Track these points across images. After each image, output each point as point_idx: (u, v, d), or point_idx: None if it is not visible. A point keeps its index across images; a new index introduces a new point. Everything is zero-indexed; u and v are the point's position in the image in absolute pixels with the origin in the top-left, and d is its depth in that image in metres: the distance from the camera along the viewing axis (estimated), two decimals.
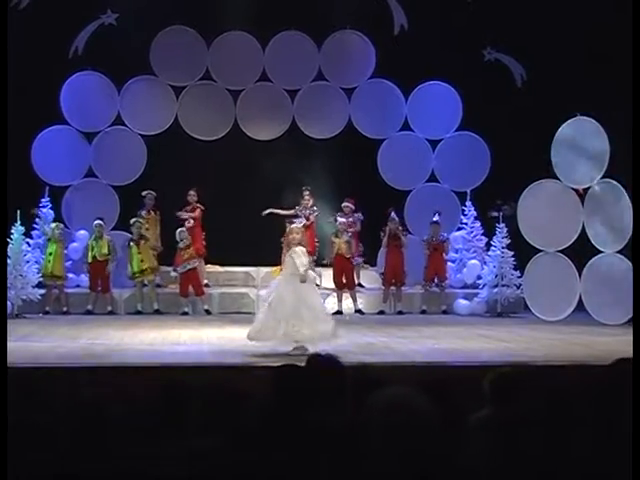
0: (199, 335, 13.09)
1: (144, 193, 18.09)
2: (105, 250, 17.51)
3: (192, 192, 18.06)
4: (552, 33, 17.28)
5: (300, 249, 11.02)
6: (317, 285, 18.14)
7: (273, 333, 10.64)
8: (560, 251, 15.74)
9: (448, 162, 19.19)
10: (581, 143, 15.37)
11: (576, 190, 15.67)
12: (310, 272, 11.25)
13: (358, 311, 17.50)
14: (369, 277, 18.56)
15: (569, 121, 15.76)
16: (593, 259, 15.20)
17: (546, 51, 17.63)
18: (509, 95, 18.44)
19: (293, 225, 11.35)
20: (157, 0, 18.52)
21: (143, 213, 18.06)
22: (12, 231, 16.61)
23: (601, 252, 15.09)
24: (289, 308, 10.66)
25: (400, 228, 17.90)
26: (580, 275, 15.36)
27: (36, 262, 17.25)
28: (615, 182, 14.81)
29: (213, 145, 19.01)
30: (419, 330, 14.17)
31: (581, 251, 15.57)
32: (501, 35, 18.76)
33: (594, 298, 14.99)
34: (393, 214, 17.84)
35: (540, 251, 16.07)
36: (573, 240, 15.52)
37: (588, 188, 15.41)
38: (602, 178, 15.09)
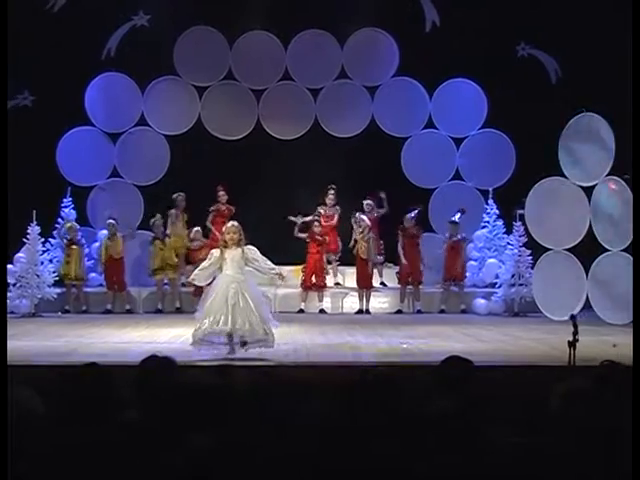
0: (182, 334, 13.10)
1: (175, 195, 18.12)
2: (120, 248, 17.69)
3: (222, 192, 18.15)
4: (588, 29, 16.96)
5: (215, 252, 10.96)
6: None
7: (214, 337, 10.56)
8: (568, 249, 15.43)
9: (473, 160, 18.97)
10: (586, 140, 15.07)
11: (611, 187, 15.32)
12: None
13: (367, 311, 17.45)
14: (392, 276, 18.39)
15: (575, 118, 15.45)
16: (599, 258, 14.89)
17: (580, 47, 17.32)
18: (537, 92, 18.11)
19: (229, 224, 11.23)
20: (179, 1, 18.72)
21: (174, 212, 18.12)
22: (29, 230, 16.85)
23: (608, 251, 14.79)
24: (231, 310, 10.54)
25: (417, 226, 17.77)
26: (587, 274, 15.05)
27: (58, 261, 17.53)
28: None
29: (236, 144, 19.04)
30: (413, 330, 14.05)
31: (589, 249, 15.25)
32: (536, 31, 18.46)
33: (599, 297, 14.69)
34: (413, 213, 17.73)
35: (549, 250, 15.79)
36: (581, 238, 15.21)
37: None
38: (609, 175, 14.78)
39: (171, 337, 12.97)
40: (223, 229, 11.23)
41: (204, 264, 11.04)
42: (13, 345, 10.62)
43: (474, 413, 4.84)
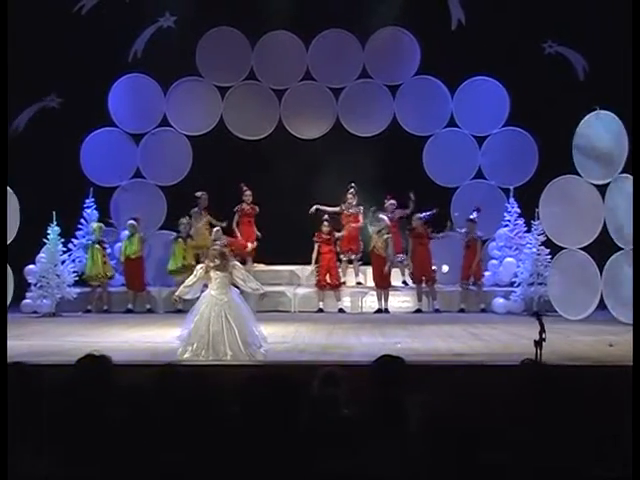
0: None
1: (198, 194, 18.22)
2: (136, 247, 17.82)
3: (248, 192, 18.29)
4: (616, 26, 16.76)
5: (200, 269, 10.90)
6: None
7: (201, 351, 10.51)
8: (582, 248, 15.28)
9: (495, 158, 18.85)
10: (599, 138, 14.91)
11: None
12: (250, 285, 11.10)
13: (386, 310, 17.42)
14: None
15: (588, 116, 15.29)
16: (613, 256, 14.73)
17: (606, 45, 17.13)
18: (560, 89, 17.93)
19: (210, 250, 11.10)
20: (201, 2, 18.79)
21: (197, 211, 18.25)
22: (49, 231, 17.02)
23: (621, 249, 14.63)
24: (212, 339, 10.43)
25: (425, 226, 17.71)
26: (601, 273, 14.89)
27: (80, 262, 17.71)
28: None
29: (258, 144, 19.13)
30: (421, 330, 14.04)
31: (603, 248, 15.10)
32: (564, 28, 18.29)
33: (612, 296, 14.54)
34: (423, 214, 17.68)
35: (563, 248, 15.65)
36: (595, 237, 15.05)
37: None
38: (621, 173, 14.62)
39: (169, 338, 12.97)
40: (209, 253, 11.16)
41: (188, 281, 11.01)
42: (9, 344, 10.72)
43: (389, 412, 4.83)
